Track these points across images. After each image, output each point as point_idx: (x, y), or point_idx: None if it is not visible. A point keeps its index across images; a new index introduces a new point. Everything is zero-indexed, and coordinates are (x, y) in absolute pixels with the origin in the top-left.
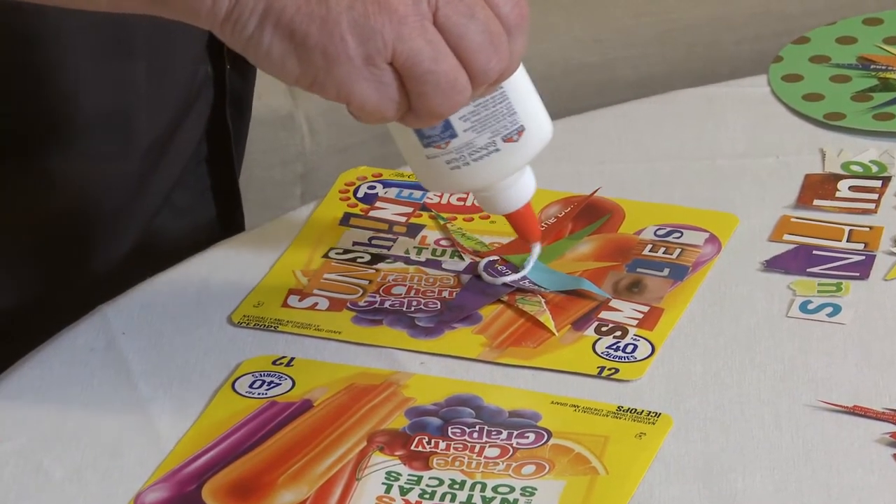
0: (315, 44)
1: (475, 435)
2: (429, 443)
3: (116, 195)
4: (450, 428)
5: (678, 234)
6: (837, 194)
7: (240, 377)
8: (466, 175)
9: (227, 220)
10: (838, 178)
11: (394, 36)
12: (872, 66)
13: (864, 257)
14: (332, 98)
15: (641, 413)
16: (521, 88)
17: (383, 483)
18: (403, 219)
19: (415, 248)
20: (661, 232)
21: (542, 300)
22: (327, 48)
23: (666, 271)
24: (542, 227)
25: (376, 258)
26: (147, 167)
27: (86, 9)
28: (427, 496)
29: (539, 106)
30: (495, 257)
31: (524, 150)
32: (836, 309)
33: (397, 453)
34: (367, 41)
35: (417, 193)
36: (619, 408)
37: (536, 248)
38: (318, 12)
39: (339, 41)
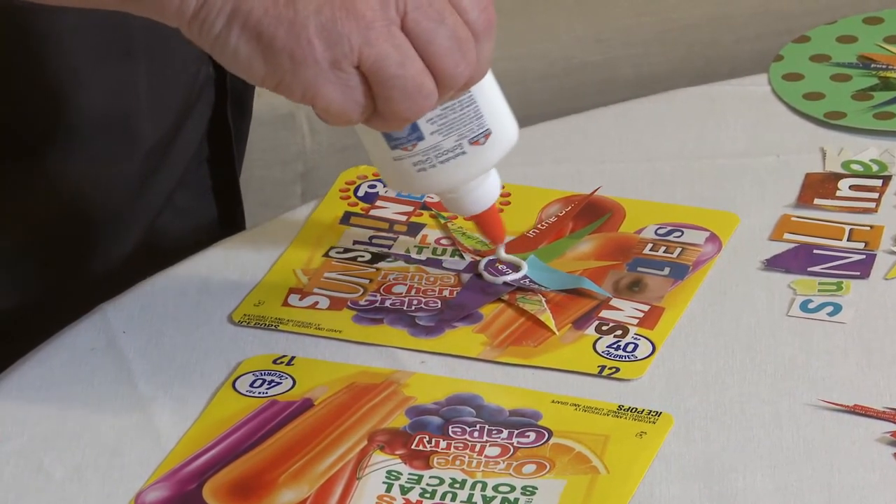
0: (282, 47)
1: (476, 434)
2: (429, 442)
3: (118, 196)
4: (450, 427)
5: (679, 234)
6: (838, 193)
7: (240, 376)
8: (433, 177)
9: (228, 220)
10: (839, 177)
11: (361, 40)
12: (873, 65)
13: (864, 256)
14: (298, 100)
15: (642, 412)
16: (488, 92)
17: (384, 482)
18: (404, 218)
19: (415, 246)
20: (661, 231)
21: (543, 299)
22: (294, 51)
23: (666, 270)
24: (543, 226)
25: (377, 257)
26: (149, 168)
27: (57, 5)
28: (427, 495)
29: (506, 109)
30: (496, 256)
31: (490, 153)
32: (837, 308)
33: (398, 452)
34: (334, 45)
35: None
36: (620, 407)
37: (501, 250)
38: (286, 15)
39: (307, 45)
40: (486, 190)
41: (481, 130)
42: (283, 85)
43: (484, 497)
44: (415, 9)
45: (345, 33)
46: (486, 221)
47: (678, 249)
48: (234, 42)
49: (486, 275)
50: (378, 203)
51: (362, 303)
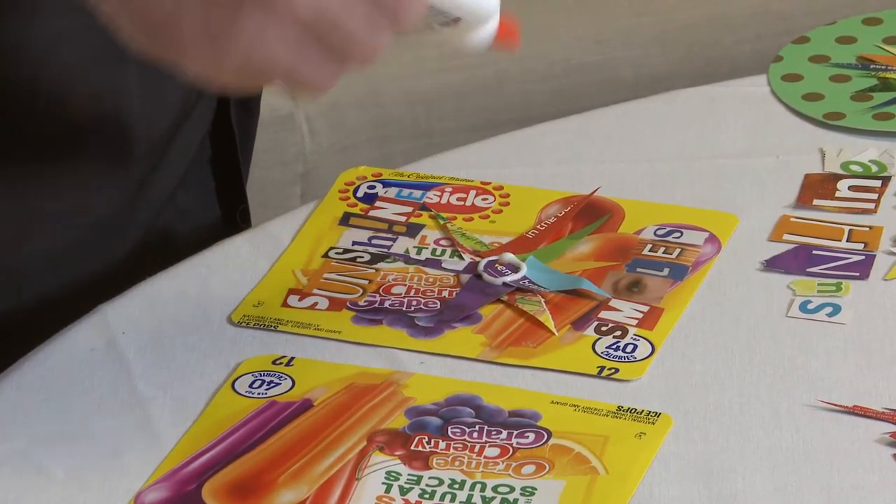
0: (170, 54)
1: (475, 435)
2: (429, 442)
3: (117, 197)
4: (450, 428)
5: (678, 234)
6: (837, 194)
7: (240, 377)
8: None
9: (232, 221)
10: (838, 177)
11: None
12: (872, 66)
13: (863, 257)
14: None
15: (641, 413)
16: None
17: (383, 483)
18: (403, 218)
19: (415, 247)
20: (660, 232)
21: (542, 300)
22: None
23: (666, 271)
24: (542, 227)
25: (376, 258)
26: (147, 169)
27: None
28: (427, 496)
29: None
30: (495, 257)
31: None
32: (836, 309)
33: (397, 453)
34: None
35: (417, 193)
36: (619, 407)
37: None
38: (176, 29)
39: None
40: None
41: None
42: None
43: (483, 498)
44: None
45: (237, 50)
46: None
47: (677, 250)
48: (123, 23)
49: (485, 275)
50: (377, 204)
51: (361, 303)
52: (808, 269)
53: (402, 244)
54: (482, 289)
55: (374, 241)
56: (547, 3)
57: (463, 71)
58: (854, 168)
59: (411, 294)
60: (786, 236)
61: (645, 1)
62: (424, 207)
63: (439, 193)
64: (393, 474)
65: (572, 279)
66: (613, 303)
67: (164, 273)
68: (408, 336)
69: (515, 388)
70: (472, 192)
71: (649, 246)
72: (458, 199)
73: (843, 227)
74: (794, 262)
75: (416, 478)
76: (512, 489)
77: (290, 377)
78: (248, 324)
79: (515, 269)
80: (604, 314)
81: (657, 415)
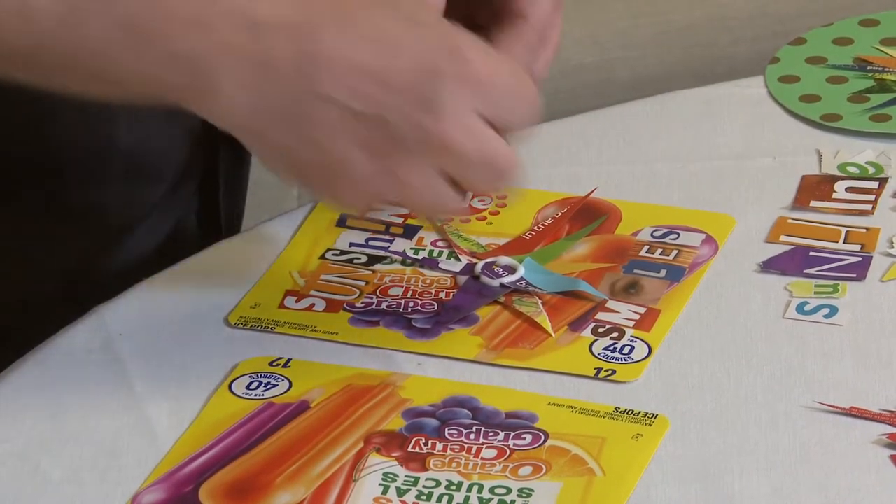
0: (320, 195)
1: (472, 436)
2: (426, 444)
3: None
4: (447, 429)
5: (675, 236)
6: (834, 195)
7: (237, 378)
8: None
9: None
10: (835, 179)
11: (402, 199)
12: (869, 68)
13: (860, 259)
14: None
15: (638, 414)
16: None
17: (380, 484)
18: (400, 220)
19: (412, 249)
20: (657, 233)
21: (539, 301)
22: (331, 201)
23: (663, 272)
24: (539, 228)
25: (373, 259)
26: (133, 172)
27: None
28: (424, 497)
29: None
30: (492, 258)
31: None
32: (833, 310)
33: (394, 454)
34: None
35: None
36: (616, 409)
37: None
38: (335, 176)
39: (346, 202)
40: None
41: None
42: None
43: (480, 499)
44: (449, 167)
45: (384, 195)
46: None
47: (674, 251)
48: (273, 167)
49: (482, 277)
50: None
51: (359, 305)
52: (805, 271)
53: (399, 246)
54: (479, 290)
55: (371, 243)
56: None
57: None
58: (851, 169)
59: (408, 295)
60: (783, 238)
61: (642, 2)
62: None
63: None
64: (390, 476)
65: (569, 280)
66: (610, 304)
67: (161, 274)
68: (405, 337)
69: (512, 390)
70: (469, 194)
71: (646, 247)
72: None
73: (839, 228)
74: (791, 263)
75: (413, 479)
76: (509, 490)
77: (287, 378)
78: (245, 325)
79: (512, 270)
80: (601, 315)
81: (654, 416)
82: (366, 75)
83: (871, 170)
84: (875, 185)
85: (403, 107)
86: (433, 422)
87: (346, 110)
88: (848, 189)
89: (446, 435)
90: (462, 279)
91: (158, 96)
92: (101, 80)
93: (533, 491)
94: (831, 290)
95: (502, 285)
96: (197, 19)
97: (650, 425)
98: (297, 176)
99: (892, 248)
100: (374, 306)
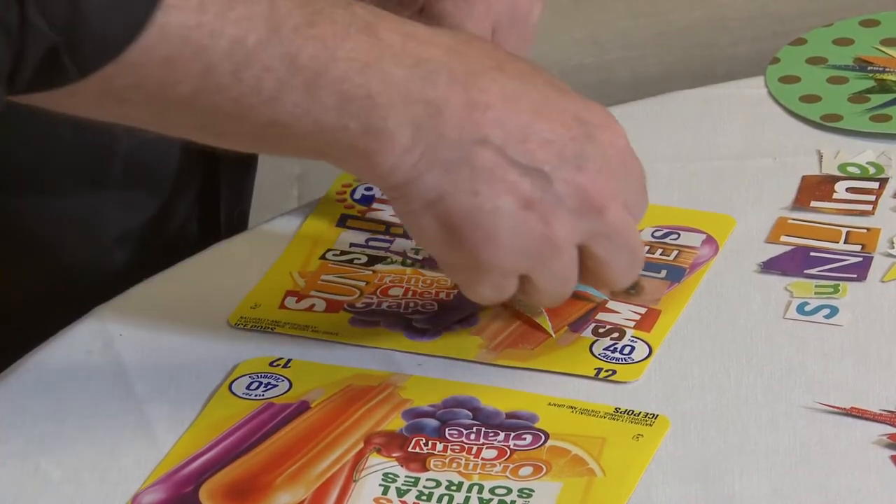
0: (470, 248)
1: (472, 436)
2: (426, 444)
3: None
4: (447, 429)
5: (675, 236)
6: (834, 196)
7: (237, 379)
8: None
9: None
10: (835, 179)
11: (541, 264)
12: (869, 68)
13: (861, 259)
14: (448, 275)
15: (639, 415)
16: None
17: (380, 484)
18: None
19: (412, 249)
20: (658, 233)
21: None
22: (479, 256)
23: (663, 273)
24: None
25: (373, 259)
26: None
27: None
28: (424, 498)
29: None
30: None
31: None
32: (834, 311)
33: (394, 455)
34: (517, 263)
35: None
36: (617, 409)
37: None
38: (486, 225)
39: (493, 256)
40: None
41: None
42: (449, 267)
43: (480, 499)
44: (599, 236)
45: (532, 255)
46: None
47: (675, 252)
48: (425, 222)
49: None
50: (374, 206)
51: (359, 305)
52: (806, 271)
53: (400, 246)
54: None
55: (371, 243)
56: (544, 4)
57: None
58: (851, 170)
59: (409, 296)
60: (783, 238)
61: (642, 2)
62: None
63: None
64: (390, 476)
65: None
66: (611, 304)
67: (161, 275)
68: (405, 338)
69: (513, 390)
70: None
71: (647, 247)
72: None
73: (840, 228)
74: (792, 263)
75: (413, 479)
76: (509, 491)
77: (287, 379)
78: (245, 325)
79: None
80: (601, 316)
81: (654, 416)
82: (528, 131)
83: (872, 170)
84: (875, 185)
85: (563, 164)
86: (433, 422)
87: (506, 160)
88: (848, 189)
89: (447, 435)
90: None
91: (328, 143)
92: (272, 130)
93: (533, 491)
94: (832, 290)
95: None
96: (367, 62)
97: (650, 425)
98: (443, 232)
99: (893, 248)
100: (374, 307)
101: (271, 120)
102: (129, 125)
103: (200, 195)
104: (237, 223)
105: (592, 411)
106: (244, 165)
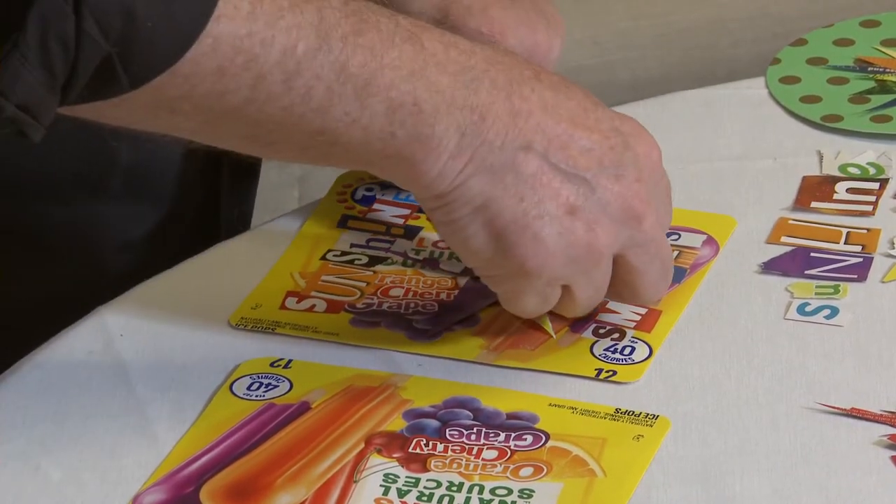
0: (518, 255)
1: (473, 437)
2: (427, 445)
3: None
4: (448, 430)
5: (676, 236)
6: (835, 196)
7: (238, 379)
8: None
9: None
10: (836, 180)
11: (582, 273)
12: (870, 69)
13: (861, 259)
14: (492, 288)
15: (639, 415)
16: None
17: (381, 485)
18: (401, 220)
19: (413, 249)
20: None
21: None
22: (526, 264)
23: None
24: None
25: (374, 260)
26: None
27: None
28: (425, 498)
29: None
30: None
31: None
32: (834, 311)
33: (395, 455)
34: (561, 270)
35: None
36: (617, 410)
37: None
38: (533, 230)
39: (542, 264)
40: None
41: None
42: (492, 279)
43: (481, 500)
44: (635, 245)
45: (576, 262)
46: None
47: (675, 252)
48: (472, 230)
49: None
50: (375, 206)
51: (359, 306)
52: (806, 272)
53: (400, 246)
54: (480, 291)
55: (371, 244)
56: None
57: None
58: (852, 170)
59: (409, 296)
60: (784, 239)
61: (642, 3)
62: (422, 210)
63: None
64: (391, 476)
65: None
66: (611, 305)
67: (161, 275)
68: (406, 338)
69: (513, 391)
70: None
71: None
72: None
73: (840, 229)
74: (792, 264)
75: (413, 480)
76: (510, 491)
77: (287, 379)
78: (246, 326)
79: None
80: (602, 316)
81: (655, 417)
82: (569, 139)
83: (872, 171)
84: (876, 185)
85: (602, 172)
86: (434, 423)
87: (549, 166)
88: (849, 190)
89: (447, 436)
90: (463, 280)
91: (375, 151)
92: (321, 138)
93: (534, 492)
94: (832, 290)
95: None
96: (412, 70)
97: (651, 426)
98: (490, 239)
99: (893, 248)
100: (374, 307)
101: (321, 128)
102: (179, 135)
103: (202, 205)
104: (238, 224)
105: (593, 412)
106: (248, 174)
